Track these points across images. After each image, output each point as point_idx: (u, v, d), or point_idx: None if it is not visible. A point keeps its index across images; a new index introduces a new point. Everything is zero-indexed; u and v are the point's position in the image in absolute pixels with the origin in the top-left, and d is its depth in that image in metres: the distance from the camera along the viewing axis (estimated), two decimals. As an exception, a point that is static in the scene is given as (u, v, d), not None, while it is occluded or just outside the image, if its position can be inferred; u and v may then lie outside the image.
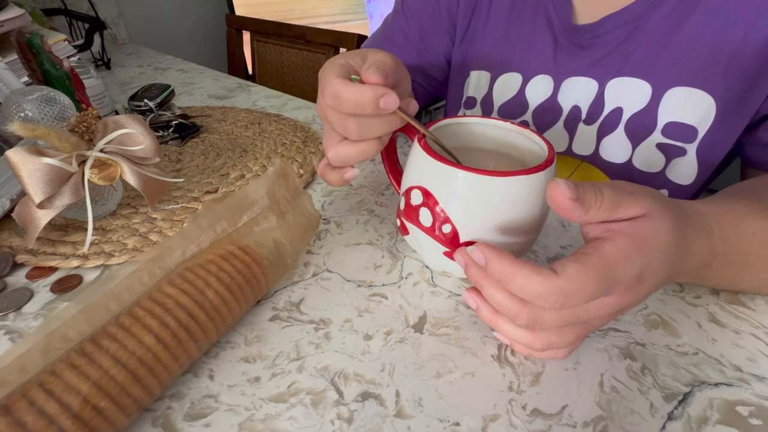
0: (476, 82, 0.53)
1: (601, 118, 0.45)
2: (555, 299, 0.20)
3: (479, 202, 0.26)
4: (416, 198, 0.29)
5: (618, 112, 0.43)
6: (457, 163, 0.27)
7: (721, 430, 0.22)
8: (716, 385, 0.25)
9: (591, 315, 0.22)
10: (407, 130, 0.32)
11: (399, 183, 0.36)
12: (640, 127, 0.43)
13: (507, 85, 0.50)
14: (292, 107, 0.66)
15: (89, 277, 0.32)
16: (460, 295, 0.31)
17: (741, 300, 0.30)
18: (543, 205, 0.27)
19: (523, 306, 0.22)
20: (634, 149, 0.44)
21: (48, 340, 0.21)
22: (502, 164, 0.33)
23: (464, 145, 0.34)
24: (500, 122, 0.32)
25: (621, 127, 0.44)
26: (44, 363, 0.20)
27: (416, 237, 0.31)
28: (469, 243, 0.28)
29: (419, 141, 0.29)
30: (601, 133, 0.45)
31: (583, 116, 0.46)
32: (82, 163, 0.32)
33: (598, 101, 0.45)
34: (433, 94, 0.61)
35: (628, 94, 0.43)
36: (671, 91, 0.40)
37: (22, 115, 0.32)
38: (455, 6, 0.52)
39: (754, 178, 0.37)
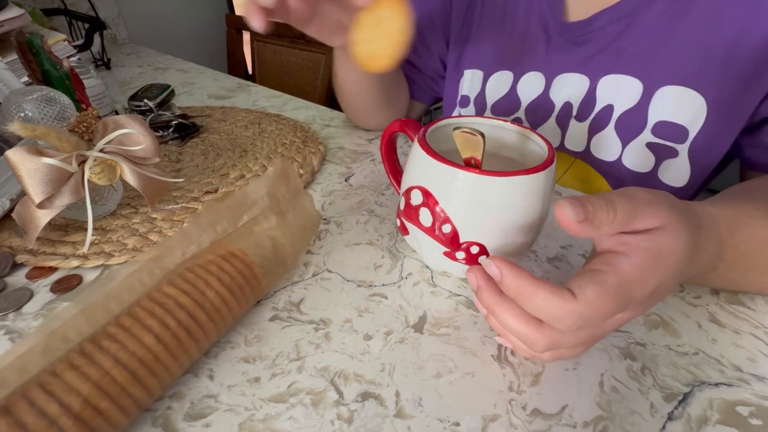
0: (470, 81, 0.53)
1: (593, 114, 0.45)
2: (573, 322, 0.20)
3: (479, 202, 0.26)
4: (416, 198, 0.29)
5: (609, 109, 0.44)
6: (456, 162, 0.27)
7: (721, 430, 0.22)
8: (716, 385, 0.25)
9: (605, 332, 0.22)
10: (407, 130, 0.32)
11: (399, 183, 0.36)
12: (630, 125, 0.43)
13: (499, 83, 0.50)
14: (292, 107, 0.66)
15: (89, 277, 0.32)
16: (460, 295, 0.31)
17: (741, 300, 0.30)
18: (543, 205, 0.27)
19: (541, 333, 0.21)
20: (624, 147, 0.44)
21: (48, 340, 0.21)
22: (502, 164, 0.33)
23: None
24: (500, 122, 0.32)
25: (611, 125, 0.44)
26: (44, 363, 0.20)
27: (416, 237, 0.31)
28: (470, 243, 0.28)
29: (419, 141, 0.29)
30: (593, 130, 0.45)
31: (575, 112, 0.46)
32: (82, 163, 0.32)
33: (590, 98, 0.45)
34: (434, 95, 0.61)
35: (619, 91, 0.43)
36: (662, 90, 0.40)
37: (22, 115, 0.32)
38: (449, 4, 0.52)
39: (760, 179, 0.36)
